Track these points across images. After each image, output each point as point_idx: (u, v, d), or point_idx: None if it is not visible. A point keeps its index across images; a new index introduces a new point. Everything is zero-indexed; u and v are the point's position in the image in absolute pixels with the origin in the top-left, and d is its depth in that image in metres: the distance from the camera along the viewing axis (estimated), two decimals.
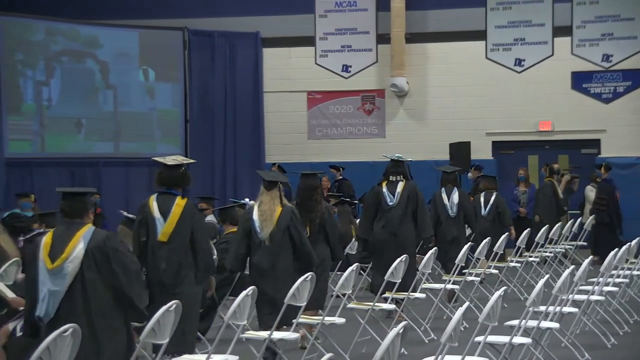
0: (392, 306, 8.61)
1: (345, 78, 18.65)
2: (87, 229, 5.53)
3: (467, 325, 8.43)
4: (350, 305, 8.34)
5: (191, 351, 6.73)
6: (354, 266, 7.76)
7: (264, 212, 7.48)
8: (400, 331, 4.39)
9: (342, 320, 7.76)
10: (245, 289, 6.22)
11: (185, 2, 18.61)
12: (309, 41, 18.64)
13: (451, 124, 17.98)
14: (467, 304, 5.65)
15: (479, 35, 18.12)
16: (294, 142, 18.68)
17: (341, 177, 16.69)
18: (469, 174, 15.88)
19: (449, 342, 5.01)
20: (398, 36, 17.93)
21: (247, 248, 7.66)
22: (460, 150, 16.80)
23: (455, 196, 11.56)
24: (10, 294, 7.18)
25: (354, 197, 15.64)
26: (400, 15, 17.91)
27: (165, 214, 6.90)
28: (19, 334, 6.66)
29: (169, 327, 5.48)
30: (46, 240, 5.54)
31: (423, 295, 9.44)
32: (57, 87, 17.25)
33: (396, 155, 10.29)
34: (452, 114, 18.13)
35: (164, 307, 5.48)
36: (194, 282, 6.98)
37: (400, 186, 10.01)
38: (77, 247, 5.45)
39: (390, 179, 10.07)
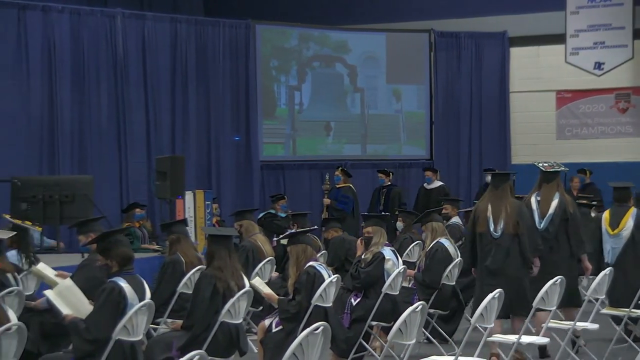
0: None
1: (598, 76, 17.93)
2: (633, 210, 8.83)
3: None
4: (603, 311, 8.04)
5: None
6: (607, 270, 7.50)
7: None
8: None
9: (596, 326, 7.48)
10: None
11: (431, 3, 18.68)
12: (558, 39, 18.10)
13: None
14: None
15: None
16: (542, 143, 18.23)
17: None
18: None
19: None
20: None
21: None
22: None
23: None
24: (266, 290, 7.44)
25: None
26: None
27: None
28: (274, 329, 6.94)
29: (415, 328, 5.74)
30: (605, 215, 8.97)
31: None
32: (308, 91, 17.86)
33: None
34: None
35: (410, 309, 5.64)
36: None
37: None
38: (629, 222, 8.79)
39: None
